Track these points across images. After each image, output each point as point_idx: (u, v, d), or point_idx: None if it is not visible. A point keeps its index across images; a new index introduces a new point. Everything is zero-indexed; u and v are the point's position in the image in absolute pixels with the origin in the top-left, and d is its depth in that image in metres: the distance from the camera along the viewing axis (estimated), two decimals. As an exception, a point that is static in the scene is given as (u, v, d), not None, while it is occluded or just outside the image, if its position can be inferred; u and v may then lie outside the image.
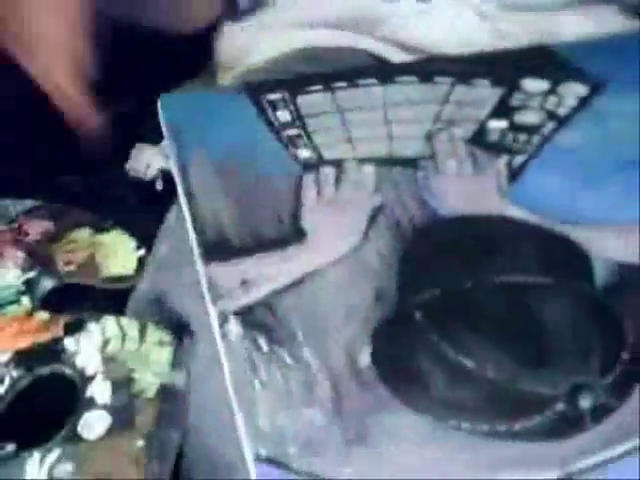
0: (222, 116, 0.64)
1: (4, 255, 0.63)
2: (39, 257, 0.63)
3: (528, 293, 0.52)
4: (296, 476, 0.46)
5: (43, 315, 0.58)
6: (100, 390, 0.53)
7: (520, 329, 0.51)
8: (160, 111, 0.64)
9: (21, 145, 0.72)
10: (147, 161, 0.71)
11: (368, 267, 0.55)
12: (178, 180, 0.60)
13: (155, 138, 0.70)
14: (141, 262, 0.63)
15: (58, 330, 0.56)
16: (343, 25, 0.74)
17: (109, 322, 0.56)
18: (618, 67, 0.65)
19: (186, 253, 0.56)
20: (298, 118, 0.63)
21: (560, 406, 0.47)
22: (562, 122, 0.62)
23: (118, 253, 0.64)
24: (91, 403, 0.52)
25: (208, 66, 0.81)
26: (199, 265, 0.55)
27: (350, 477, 0.45)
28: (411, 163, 0.60)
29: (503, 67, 0.65)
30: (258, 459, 0.46)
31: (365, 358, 0.50)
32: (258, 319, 0.52)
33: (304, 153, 0.61)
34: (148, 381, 0.53)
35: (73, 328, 0.56)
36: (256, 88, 0.65)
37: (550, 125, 0.62)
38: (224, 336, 0.51)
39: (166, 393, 0.53)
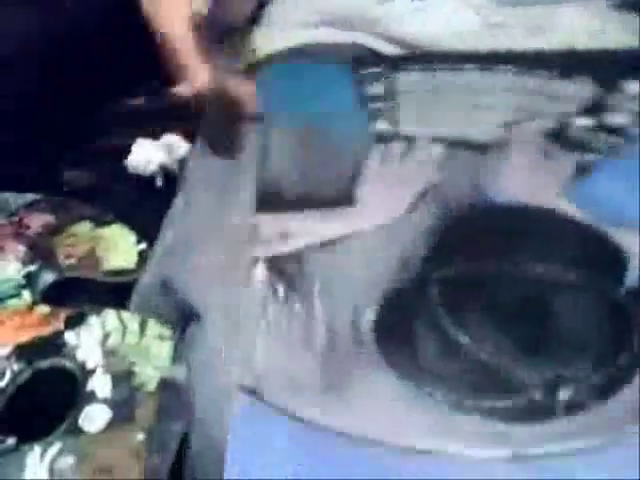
0: (318, 85, 0.67)
1: (5, 248, 0.63)
2: (40, 250, 0.63)
3: (547, 286, 0.53)
4: (271, 409, 0.49)
5: (44, 309, 0.58)
6: (101, 384, 0.53)
7: (526, 318, 0.52)
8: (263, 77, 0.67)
9: (22, 140, 0.72)
10: (147, 156, 0.71)
11: (402, 239, 0.57)
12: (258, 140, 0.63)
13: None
14: (142, 256, 0.63)
15: (59, 324, 0.56)
16: (339, 24, 0.75)
17: (110, 316, 0.56)
18: None
19: (192, 239, 0.57)
20: (390, 93, 0.65)
21: (537, 394, 0.48)
22: None
23: (119, 247, 0.64)
24: (92, 397, 0.52)
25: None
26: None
27: (315, 417, 0.48)
28: (481, 148, 0.61)
29: (607, 66, 0.66)
30: (242, 388, 0.50)
31: (369, 319, 0.53)
32: (284, 268, 0.55)
33: (382, 125, 0.63)
34: (149, 375, 0.53)
35: (74, 322, 0.56)
36: (361, 61, 0.68)
37: (636, 129, 0.62)
38: (250, 278, 0.54)
39: (166, 387, 0.53)
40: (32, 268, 0.61)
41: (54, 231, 0.65)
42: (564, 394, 0.48)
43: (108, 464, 0.50)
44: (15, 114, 0.73)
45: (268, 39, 0.76)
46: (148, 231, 0.63)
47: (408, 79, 0.66)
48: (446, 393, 0.49)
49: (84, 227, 0.65)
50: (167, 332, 0.55)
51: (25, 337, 0.56)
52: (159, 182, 0.71)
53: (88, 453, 0.50)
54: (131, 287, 0.59)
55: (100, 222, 0.66)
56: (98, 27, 0.77)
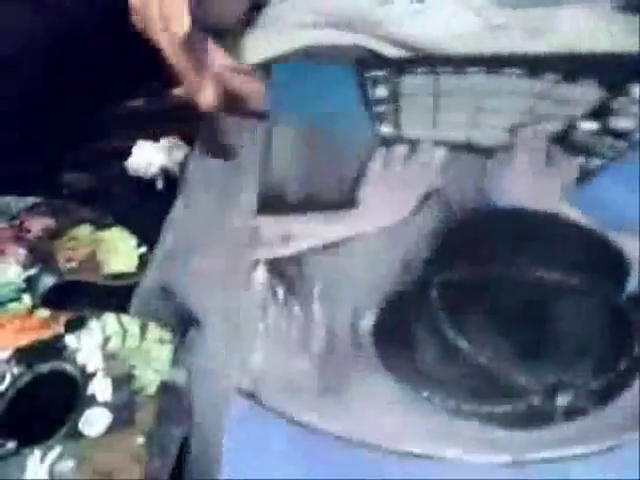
0: (322, 86, 0.68)
1: (5, 252, 0.63)
2: (40, 254, 0.63)
3: (549, 291, 0.53)
4: (268, 412, 0.49)
5: (44, 312, 0.58)
6: (101, 387, 0.53)
7: (526, 323, 0.52)
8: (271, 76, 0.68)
9: (22, 142, 0.72)
10: (148, 159, 0.71)
11: (404, 242, 0.57)
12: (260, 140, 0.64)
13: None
14: (142, 259, 0.63)
15: (59, 327, 0.57)
16: (341, 26, 0.75)
17: (110, 319, 0.56)
18: None
19: (192, 243, 0.57)
20: (394, 96, 0.65)
21: (536, 400, 0.48)
22: None
23: (119, 250, 0.64)
24: (92, 400, 0.52)
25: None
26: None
27: (313, 421, 0.48)
28: (485, 152, 0.61)
29: (614, 70, 0.66)
30: (240, 391, 0.50)
31: (368, 322, 0.53)
32: (284, 271, 0.56)
33: (386, 129, 0.64)
34: (149, 378, 0.53)
35: (74, 325, 0.56)
36: (365, 64, 0.69)
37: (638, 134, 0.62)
38: (250, 281, 0.55)
39: (166, 390, 0.53)
40: (32, 272, 0.61)
41: (54, 235, 0.65)
42: (563, 399, 0.48)
43: (108, 468, 0.50)
44: (15, 116, 0.73)
45: (267, 40, 0.76)
46: (149, 234, 0.63)
47: (412, 82, 0.66)
48: (444, 398, 0.49)
49: (84, 230, 0.65)
50: (167, 336, 0.55)
51: (25, 341, 0.56)
52: (160, 184, 0.71)
53: (88, 457, 0.50)
54: (131, 291, 0.59)
55: (100, 225, 0.65)
56: (98, 28, 0.77)
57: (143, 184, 0.71)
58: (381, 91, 0.66)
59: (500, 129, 0.63)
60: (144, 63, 0.72)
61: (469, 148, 0.62)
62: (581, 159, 0.60)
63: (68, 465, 0.50)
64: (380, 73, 0.67)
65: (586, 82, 0.65)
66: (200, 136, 0.68)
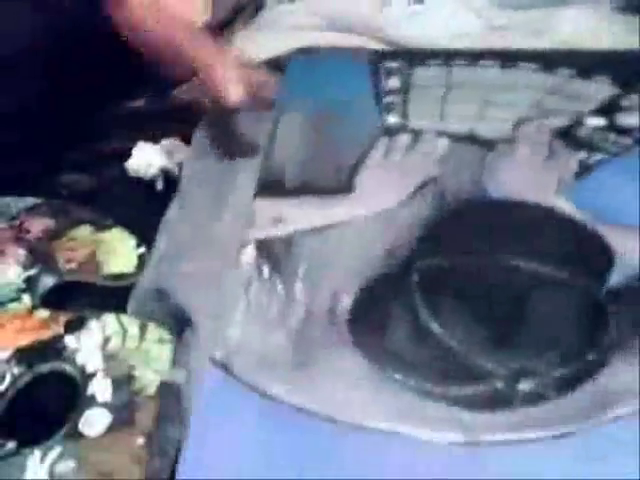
0: (336, 75, 0.69)
1: (5, 252, 0.63)
2: (40, 254, 0.63)
3: (527, 281, 0.53)
4: (238, 384, 0.51)
5: (44, 312, 0.58)
6: (101, 388, 0.53)
7: (501, 311, 0.53)
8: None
9: (22, 143, 0.72)
10: (148, 160, 0.71)
11: (394, 228, 0.58)
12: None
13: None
14: (141, 260, 0.63)
15: (59, 327, 0.57)
16: (341, 29, 0.75)
17: (110, 319, 0.56)
18: None
19: (187, 245, 0.58)
20: (405, 87, 0.65)
21: (499, 384, 0.49)
22: None
23: (119, 251, 0.64)
24: (92, 401, 0.52)
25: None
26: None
27: (282, 394, 0.50)
28: (487, 144, 0.61)
29: (628, 67, 0.66)
30: (213, 361, 0.52)
31: (346, 302, 0.54)
32: (272, 251, 0.57)
33: (393, 119, 0.65)
34: (148, 378, 0.53)
35: (74, 326, 0.56)
36: (381, 55, 0.69)
37: None
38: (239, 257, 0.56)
39: (166, 390, 0.53)
40: (32, 272, 0.61)
41: (54, 235, 0.65)
42: (525, 385, 0.49)
43: (108, 468, 0.50)
44: (15, 116, 0.73)
45: (268, 40, 0.76)
46: (148, 235, 0.63)
47: (425, 74, 0.67)
48: (411, 378, 0.50)
49: (84, 231, 0.65)
50: (167, 335, 0.55)
51: (25, 341, 0.56)
52: (159, 185, 0.71)
53: (88, 457, 0.50)
54: (131, 291, 0.59)
55: (100, 226, 0.65)
56: (98, 28, 0.77)
57: (143, 185, 0.71)
58: (393, 82, 0.67)
59: (506, 122, 0.63)
60: (144, 63, 0.72)
61: (472, 140, 0.62)
62: (583, 154, 0.61)
63: (68, 465, 0.50)
64: (394, 64, 0.68)
65: (599, 78, 0.65)
66: (196, 137, 0.68)
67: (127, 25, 0.68)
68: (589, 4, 0.74)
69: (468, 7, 0.74)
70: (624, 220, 0.56)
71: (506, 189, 0.59)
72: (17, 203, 0.67)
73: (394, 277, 0.55)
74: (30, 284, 0.60)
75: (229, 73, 0.63)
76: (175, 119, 0.74)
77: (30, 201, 0.68)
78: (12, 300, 0.59)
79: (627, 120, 0.62)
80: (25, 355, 0.55)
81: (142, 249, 0.64)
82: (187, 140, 0.69)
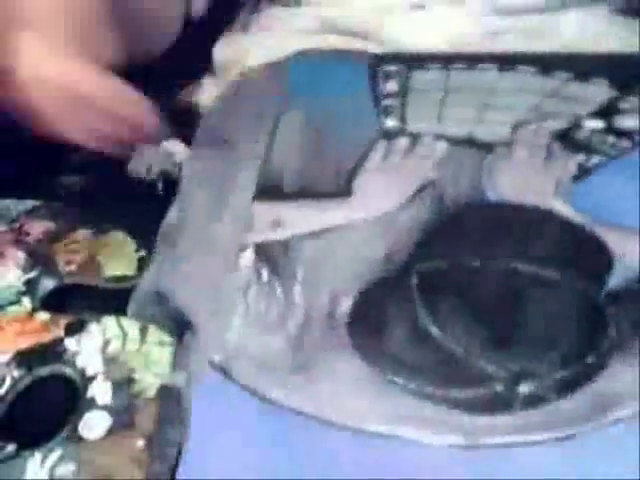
0: (334, 78, 0.69)
1: (5, 255, 0.63)
2: (40, 257, 0.63)
3: (526, 283, 0.53)
4: (237, 388, 0.51)
5: (44, 315, 0.58)
6: (101, 390, 0.53)
7: (501, 313, 0.53)
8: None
9: (22, 145, 0.72)
10: (148, 163, 0.71)
11: (392, 232, 0.58)
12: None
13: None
14: (142, 263, 0.63)
15: (59, 330, 0.57)
16: (338, 33, 0.75)
17: (110, 322, 0.56)
18: None
19: (188, 247, 0.58)
20: (403, 90, 0.66)
21: (499, 386, 0.49)
22: None
23: (119, 254, 0.64)
24: (92, 403, 0.52)
25: (210, 68, 0.82)
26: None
27: (281, 398, 0.50)
28: (486, 147, 0.62)
29: (626, 70, 0.66)
30: (212, 365, 0.52)
31: (345, 306, 0.54)
32: (271, 254, 0.57)
33: (391, 122, 0.65)
34: (149, 381, 0.53)
35: (74, 328, 0.56)
36: (380, 58, 0.69)
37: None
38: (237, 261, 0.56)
39: (166, 393, 0.53)
40: (32, 275, 0.61)
41: (54, 238, 0.65)
42: (525, 388, 0.49)
43: (109, 471, 0.50)
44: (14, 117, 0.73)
45: (268, 44, 0.76)
46: (149, 237, 0.63)
47: (423, 77, 0.67)
48: (411, 381, 0.50)
49: (84, 234, 0.65)
50: (167, 338, 0.55)
51: (25, 344, 0.56)
52: (160, 188, 0.70)
53: (88, 460, 0.50)
54: (131, 294, 0.59)
55: (100, 229, 0.65)
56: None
57: (143, 187, 0.71)
58: (392, 85, 0.67)
59: (504, 125, 0.63)
60: (144, 66, 0.72)
61: (470, 143, 0.62)
62: (581, 157, 0.61)
63: (68, 468, 0.50)
64: (393, 68, 0.68)
65: (597, 81, 0.65)
66: (195, 138, 0.68)
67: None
68: (588, 8, 0.74)
69: (466, 13, 0.74)
70: (623, 222, 0.56)
71: (505, 192, 0.59)
72: (17, 205, 0.67)
73: (393, 280, 0.55)
74: (30, 287, 0.60)
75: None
76: (176, 121, 0.74)
77: (30, 204, 0.68)
78: (12, 303, 0.59)
79: (625, 123, 0.62)
80: (25, 358, 0.55)
81: (142, 252, 0.64)
82: (188, 142, 0.69)
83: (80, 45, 0.66)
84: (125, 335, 0.56)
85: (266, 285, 0.55)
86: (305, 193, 0.61)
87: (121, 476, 0.49)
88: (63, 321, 0.57)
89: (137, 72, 0.72)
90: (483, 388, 0.49)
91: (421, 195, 0.60)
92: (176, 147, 0.71)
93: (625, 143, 0.61)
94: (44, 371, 0.55)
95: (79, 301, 0.61)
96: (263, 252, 0.57)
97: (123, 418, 0.52)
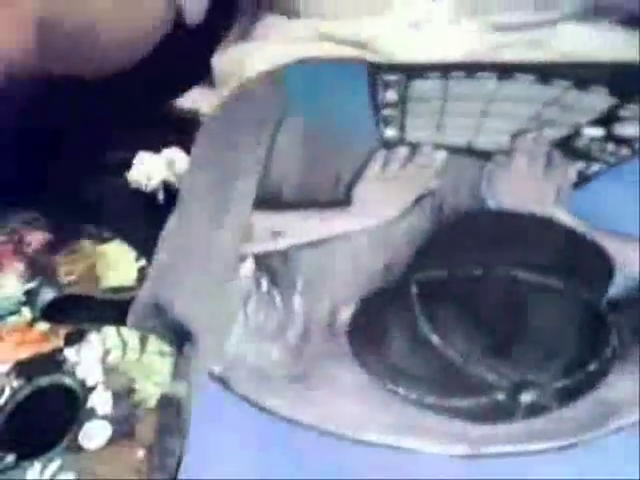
0: (335, 88, 0.67)
1: (5, 266, 0.63)
2: (40, 268, 0.63)
3: (526, 292, 0.53)
4: (237, 398, 0.51)
5: (44, 325, 0.58)
6: (101, 400, 0.53)
7: (500, 321, 0.52)
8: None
9: (22, 156, 0.72)
10: (148, 172, 0.71)
11: (392, 241, 0.58)
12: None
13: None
14: (141, 273, 0.63)
15: (59, 340, 0.56)
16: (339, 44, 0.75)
17: (110, 332, 0.56)
18: None
19: (186, 259, 0.58)
20: (403, 100, 0.66)
21: (500, 396, 0.49)
22: None
23: (119, 264, 0.64)
24: (92, 413, 0.52)
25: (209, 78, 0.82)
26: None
27: (279, 408, 0.50)
28: (485, 156, 0.62)
29: (625, 78, 0.66)
30: (211, 376, 0.52)
31: (345, 315, 0.55)
32: (270, 264, 0.57)
33: (390, 132, 0.65)
34: (149, 391, 0.53)
35: (74, 338, 0.56)
36: (378, 67, 0.68)
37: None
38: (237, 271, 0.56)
39: (167, 403, 0.52)
40: (32, 285, 0.61)
41: (54, 248, 0.65)
42: (526, 397, 0.49)
43: (108, 480, 0.50)
44: (14, 128, 0.73)
45: (265, 52, 0.76)
46: (149, 247, 0.63)
47: (422, 86, 0.67)
48: (411, 390, 0.50)
49: (84, 244, 0.65)
50: (167, 348, 0.55)
51: (25, 354, 0.56)
52: (160, 197, 0.70)
53: (88, 469, 0.50)
54: (131, 304, 0.59)
55: (100, 239, 0.65)
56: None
57: (144, 197, 0.71)
58: (391, 95, 0.67)
59: (504, 134, 0.63)
60: (142, 73, 0.72)
61: (470, 152, 0.62)
62: (581, 164, 0.61)
63: (68, 478, 0.50)
64: (392, 77, 0.68)
65: (597, 89, 0.65)
66: (195, 148, 0.68)
67: None
68: (591, 21, 0.74)
69: (465, 29, 0.74)
70: (623, 230, 0.56)
71: (505, 200, 0.59)
72: (17, 216, 0.67)
73: (393, 289, 0.55)
74: (30, 297, 0.60)
75: None
76: (176, 129, 0.74)
77: (30, 214, 0.68)
78: (12, 313, 0.59)
79: (625, 130, 0.62)
80: (25, 368, 0.55)
81: (142, 262, 0.63)
82: (188, 150, 0.69)
83: None
84: (125, 345, 0.55)
85: (266, 295, 0.55)
86: (305, 202, 0.61)
87: (121, 486, 0.49)
88: (63, 331, 0.57)
89: (137, 79, 0.72)
90: (485, 397, 0.49)
91: (421, 204, 0.60)
92: (176, 155, 0.71)
93: (624, 151, 0.61)
94: (44, 381, 0.55)
95: (79, 311, 0.61)
96: (263, 262, 0.57)
97: (123, 428, 0.51)
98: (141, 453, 0.50)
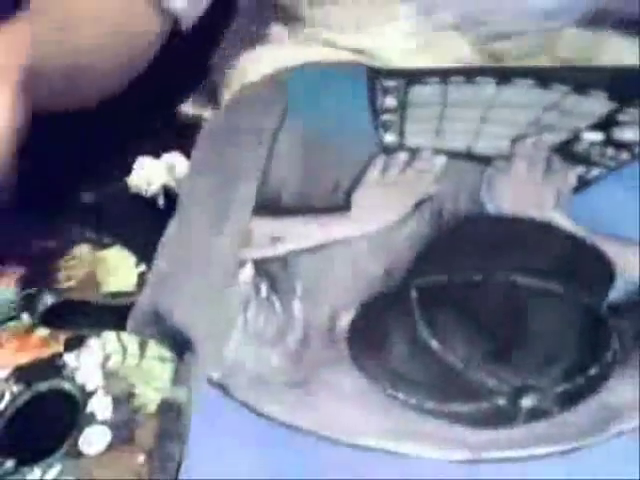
0: (335, 93, 0.68)
1: (5, 271, 0.63)
2: (39, 273, 0.63)
3: (526, 296, 0.53)
4: (237, 404, 0.51)
5: (43, 331, 0.58)
6: (101, 405, 0.53)
7: (500, 326, 0.52)
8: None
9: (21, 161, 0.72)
10: (148, 176, 0.71)
11: (391, 246, 0.58)
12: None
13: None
14: (141, 278, 0.63)
15: (58, 346, 0.56)
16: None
17: (110, 337, 0.56)
18: None
19: (186, 267, 0.58)
20: (402, 105, 0.66)
21: (500, 401, 0.49)
22: None
23: (119, 269, 0.64)
24: (92, 418, 0.52)
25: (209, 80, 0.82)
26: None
27: (279, 413, 0.50)
28: (485, 161, 0.62)
29: (624, 82, 0.66)
30: (210, 381, 0.51)
31: (345, 321, 0.54)
32: (269, 269, 0.57)
33: (390, 137, 0.65)
34: (149, 396, 0.53)
35: (73, 344, 0.56)
36: (377, 72, 0.69)
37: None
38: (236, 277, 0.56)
39: (167, 408, 0.52)
40: (32, 290, 0.61)
41: (54, 254, 0.65)
42: (527, 401, 0.49)
43: (108, 486, 0.50)
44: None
45: (265, 56, 0.77)
46: (149, 252, 0.63)
47: (422, 92, 0.67)
48: (411, 396, 0.50)
49: (84, 250, 0.65)
50: (167, 353, 0.55)
51: (25, 359, 0.56)
52: (161, 202, 0.70)
53: (88, 475, 0.50)
54: (130, 309, 0.59)
55: (100, 245, 0.65)
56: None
57: (144, 202, 0.71)
58: (390, 100, 0.67)
59: (503, 139, 0.63)
60: (145, 79, 0.72)
61: (469, 157, 0.62)
62: (581, 169, 0.61)
63: (68, 483, 0.50)
64: (391, 83, 0.68)
65: (596, 94, 0.65)
66: (194, 153, 0.68)
67: None
68: (591, 28, 0.74)
69: (462, 40, 0.74)
70: (622, 234, 0.56)
71: (504, 205, 0.59)
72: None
73: (393, 295, 0.55)
74: (29, 303, 0.60)
75: None
76: (176, 133, 0.74)
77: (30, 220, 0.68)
78: (11, 318, 0.59)
79: (624, 135, 0.62)
80: (24, 373, 0.55)
81: (142, 267, 0.63)
82: (188, 155, 0.69)
83: None
84: (125, 350, 0.55)
85: (265, 300, 0.55)
86: (304, 208, 0.60)
87: (121, 491, 0.49)
88: (62, 336, 0.57)
89: (137, 84, 0.72)
90: (485, 402, 0.49)
91: (420, 209, 0.60)
92: (176, 159, 0.71)
93: (624, 155, 0.61)
94: (43, 386, 0.55)
95: (78, 317, 0.61)
96: (262, 268, 0.57)
97: (123, 433, 0.51)
98: (141, 458, 0.50)
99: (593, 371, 0.50)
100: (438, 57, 0.73)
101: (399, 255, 0.57)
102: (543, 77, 0.67)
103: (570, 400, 0.49)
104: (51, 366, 0.55)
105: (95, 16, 0.69)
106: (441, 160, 0.62)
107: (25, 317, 0.59)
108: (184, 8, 0.71)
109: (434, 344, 0.51)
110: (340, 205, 0.61)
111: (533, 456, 0.47)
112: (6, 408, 0.54)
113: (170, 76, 0.78)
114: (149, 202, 0.70)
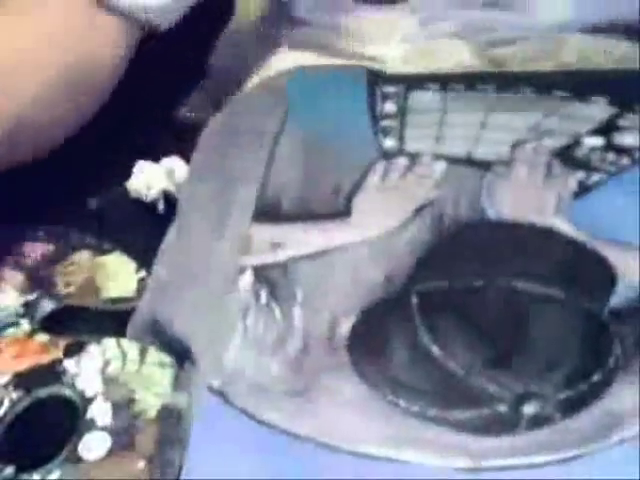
0: (334, 97, 0.68)
1: (3, 277, 0.63)
2: (39, 279, 0.63)
3: (530, 301, 0.53)
4: (237, 411, 0.51)
5: (43, 337, 0.58)
6: (101, 411, 0.53)
7: (501, 332, 0.52)
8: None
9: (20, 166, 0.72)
10: (148, 181, 0.71)
11: (392, 252, 0.57)
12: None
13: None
14: (141, 284, 0.62)
15: (58, 352, 0.56)
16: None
17: (109, 343, 0.56)
18: None
19: (186, 274, 0.58)
20: (402, 111, 0.66)
21: (502, 407, 0.49)
22: None
23: (118, 275, 0.63)
24: (91, 424, 0.52)
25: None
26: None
27: (279, 421, 0.50)
28: (485, 166, 0.62)
29: (625, 87, 0.66)
30: (210, 389, 0.51)
31: (345, 328, 0.54)
32: (269, 276, 0.56)
33: (389, 143, 0.64)
34: (149, 402, 0.53)
35: (73, 350, 0.56)
36: (377, 77, 0.69)
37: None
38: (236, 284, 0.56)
39: (167, 414, 0.52)
40: (31, 297, 0.61)
41: (53, 259, 0.65)
42: (529, 408, 0.48)
43: (108, 492, 0.49)
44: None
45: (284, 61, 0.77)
46: (149, 258, 0.63)
47: (422, 98, 0.67)
48: (412, 402, 0.50)
49: (84, 255, 0.65)
50: (167, 359, 0.55)
51: (24, 365, 0.56)
52: (161, 207, 0.70)
53: (88, 481, 0.50)
54: (130, 315, 0.59)
55: (100, 251, 0.65)
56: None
57: (144, 207, 0.71)
58: (390, 106, 0.67)
59: (504, 144, 0.63)
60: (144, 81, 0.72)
61: (469, 162, 0.62)
62: (581, 174, 0.61)
63: (67, 490, 0.49)
64: (391, 89, 0.68)
65: (596, 99, 0.65)
66: (194, 158, 0.67)
67: None
68: (589, 30, 0.74)
69: (464, 48, 0.74)
70: (623, 239, 0.56)
71: (505, 210, 0.59)
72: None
73: (393, 301, 0.55)
74: (29, 309, 0.60)
75: None
76: (176, 137, 0.74)
77: (29, 225, 0.68)
78: (11, 325, 0.59)
79: (625, 140, 0.62)
80: (24, 379, 0.55)
81: (142, 273, 0.63)
82: (188, 158, 0.69)
83: None
84: (125, 356, 0.55)
85: (265, 307, 0.55)
86: (304, 214, 0.60)
87: (121, 498, 0.49)
88: (62, 342, 0.57)
89: (137, 86, 0.73)
90: (487, 409, 0.49)
91: (420, 215, 0.60)
92: (176, 164, 0.71)
93: (625, 160, 0.61)
94: (43, 392, 0.55)
95: (78, 323, 0.60)
96: (262, 274, 0.56)
97: (123, 439, 0.51)
98: (141, 464, 0.50)
99: (596, 377, 0.50)
100: (438, 62, 0.73)
101: (399, 261, 0.57)
102: (543, 82, 0.67)
103: (572, 407, 0.49)
104: (51, 372, 0.55)
105: (39, 57, 0.66)
106: (441, 165, 0.62)
107: (24, 323, 0.59)
108: (159, 7, 0.70)
109: (435, 350, 0.51)
110: (340, 210, 0.61)
111: (535, 464, 0.47)
112: (5, 414, 0.54)
113: (165, 78, 0.78)
114: (149, 207, 0.70)
